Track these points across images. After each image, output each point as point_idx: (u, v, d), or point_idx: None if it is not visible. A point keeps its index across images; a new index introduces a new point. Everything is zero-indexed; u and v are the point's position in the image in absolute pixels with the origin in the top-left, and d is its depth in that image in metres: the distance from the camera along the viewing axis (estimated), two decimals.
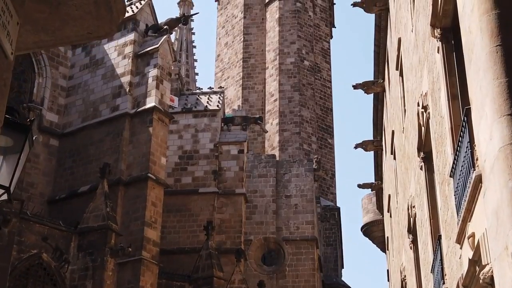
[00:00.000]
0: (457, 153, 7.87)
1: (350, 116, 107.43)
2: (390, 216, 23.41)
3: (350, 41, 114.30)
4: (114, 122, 23.64)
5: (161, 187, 22.87)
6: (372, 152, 26.89)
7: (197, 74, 59.04)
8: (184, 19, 24.92)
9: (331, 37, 50.14)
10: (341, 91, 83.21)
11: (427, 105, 10.83)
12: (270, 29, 46.35)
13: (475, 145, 7.00)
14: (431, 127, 10.69)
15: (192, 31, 61.81)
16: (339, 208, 41.01)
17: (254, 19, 47.64)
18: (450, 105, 8.96)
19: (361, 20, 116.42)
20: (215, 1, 52.08)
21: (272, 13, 46.57)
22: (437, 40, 9.49)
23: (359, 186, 28.15)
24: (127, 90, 23.87)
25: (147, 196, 22.02)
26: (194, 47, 61.38)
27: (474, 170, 6.92)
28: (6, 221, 16.85)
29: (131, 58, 24.27)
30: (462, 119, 7.52)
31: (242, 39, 47.03)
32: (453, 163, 8.17)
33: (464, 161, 7.48)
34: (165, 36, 24.24)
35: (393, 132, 19.50)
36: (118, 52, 24.77)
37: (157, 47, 23.96)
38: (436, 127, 10.12)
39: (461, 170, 7.68)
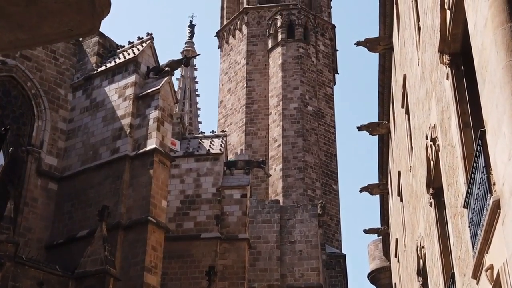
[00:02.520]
0: (471, 181, 7.47)
1: (355, 161, 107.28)
2: (398, 261, 22.91)
3: (353, 86, 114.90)
4: (114, 164, 23.24)
5: (161, 231, 22.33)
6: (378, 196, 26.58)
7: (200, 122, 59.05)
8: (186, 61, 24.71)
9: (334, 83, 50.15)
10: (345, 136, 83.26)
11: (436, 137, 10.47)
12: (273, 74, 46.35)
13: (491, 169, 6.62)
14: (441, 160, 10.30)
15: (196, 80, 62.14)
16: (344, 255, 40.31)
17: (257, 65, 47.70)
18: (461, 133, 8.57)
19: (364, 63, 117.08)
20: (218, 48, 52.28)
21: (275, 59, 46.64)
22: (446, 67, 9.17)
23: (365, 231, 27.66)
24: (128, 132, 23.55)
25: (147, 240, 21.45)
26: (198, 95, 61.63)
27: (491, 195, 6.53)
28: (0, 264, 16.29)
29: (132, 100, 24.01)
30: (476, 142, 7.14)
31: (245, 85, 46.99)
32: (467, 192, 7.77)
33: (479, 187, 7.08)
34: (166, 78, 24.02)
35: (399, 172, 19.20)
36: (119, 94, 24.53)
37: (158, 89, 23.71)
38: (447, 159, 9.72)
39: (476, 198, 7.28)
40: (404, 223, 18.80)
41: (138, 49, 25.24)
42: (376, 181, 25.55)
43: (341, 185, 79.75)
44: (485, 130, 6.88)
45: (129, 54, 25.43)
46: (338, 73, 51.82)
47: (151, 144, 22.89)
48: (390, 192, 23.93)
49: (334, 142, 46.50)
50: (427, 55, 11.14)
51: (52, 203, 24.05)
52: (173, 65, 24.63)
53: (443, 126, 9.80)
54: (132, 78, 24.46)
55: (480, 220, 7.08)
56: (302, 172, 41.94)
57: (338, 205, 44.04)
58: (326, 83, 48.16)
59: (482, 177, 6.92)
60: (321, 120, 45.89)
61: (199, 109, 61.25)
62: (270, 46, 47.46)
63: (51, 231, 23.75)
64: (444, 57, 9.18)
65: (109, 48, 26.79)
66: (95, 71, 25.87)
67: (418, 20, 12.29)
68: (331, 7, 52.80)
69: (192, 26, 62.28)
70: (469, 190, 7.68)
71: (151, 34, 25.51)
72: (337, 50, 51.96)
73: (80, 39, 27.06)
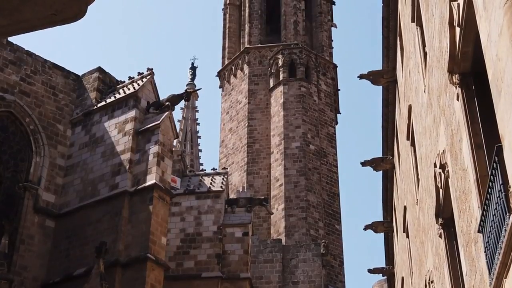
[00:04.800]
0: (487, 202, 7.08)
1: (358, 200, 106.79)
2: None
3: (355, 125, 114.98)
4: (113, 201, 22.81)
5: (161, 269, 21.78)
6: (382, 235, 26.21)
7: (201, 164, 58.68)
8: (187, 95, 24.44)
9: (336, 123, 49.96)
10: (348, 175, 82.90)
11: (446, 163, 10.11)
12: (274, 113, 46.19)
13: (509, 186, 6.23)
14: (451, 186, 9.95)
15: (197, 121, 62.04)
16: None
17: (258, 104, 47.59)
18: (474, 155, 8.21)
19: (366, 101, 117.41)
20: (219, 88, 52.24)
21: (277, 98, 46.53)
22: (456, 87, 8.86)
23: (370, 271, 27.12)
24: (127, 167, 23.18)
25: (146, 278, 20.89)
26: (199, 137, 61.46)
27: (510, 214, 6.14)
28: None
29: (131, 135, 23.70)
30: (493, 159, 6.76)
31: (247, 124, 46.80)
32: (482, 215, 7.37)
33: (496, 208, 6.70)
34: (166, 113, 23.74)
35: (405, 208, 18.89)
36: (118, 129, 24.23)
37: (159, 124, 23.40)
38: (458, 184, 9.35)
39: (493, 220, 6.89)
40: (410, 260, 18.41)
41: (138, 84, 25.02)
42: (380, 219, 25.26)
43: (344, 224, 79.06)
44: (501, 145, 6.54)
45: (129, 89, 25.21)
46: (340, 113, 51.75)
47: (150, 180, 22.50)
48: (395, 230, 23.63)
49: (336, 182, 46.09)
50: (434, 80, 10.88)
51: (49, 240, 23.55)
52: (174, 99, 24.38)
53: (453, 150, 9.48)
54: (132, 113, 24.18)
55: (498, 243, 6.71)
56: (304, 211, 41.45)
57: (341, 245, 43.44)
58: (328, 122, 47.97)
59: (499, 196, 6.55)
60: (324, 159, 45.56)
61: (200, 150, 61.07)
62: (271, 85, 47.41)
63: (48, 269, 23.19)
64: (453, 77, 8.90)
65: (109, 84, 26.59)
66: (95, 107, 25.62)
67: (424, 46, 12.08)
68: (333, 47, 52.94)
69: (193, 68, 62.50)
70: (484, 212, 7.31)
71: (152, 69, 25.33)
72: (339, 89, 51.95)
73: (80, 76, 26.89)
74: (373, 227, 24.69)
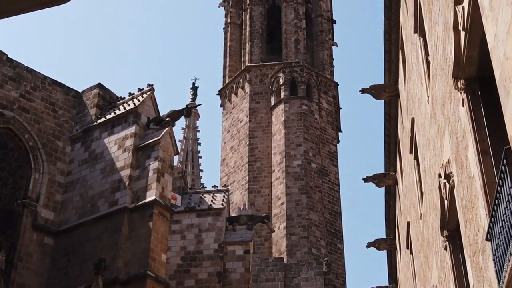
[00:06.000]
0: (495, 208, 6.88)
1: (360, 218, 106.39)
2: None
3: (357, 143, 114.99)
4: (113, 217, 22.54)
5: (161, 286, 21.43)
6: (385, 253, 26.04)
7: (202, 184, 58.42)
8: (187, 110, 24.29)
9: (338, 141, 49.78)
10: (350, 193, 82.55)
11: (451, 172, 9.96)
12: (276, 132, 46.03)
13: None
14: (457, 196, 9.80)
15: (198, 141, 61.88)
16: None
17: (259, 122, 47.45)
18: (481, 161, 8.04)
19: (368, 118, 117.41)
20: (220, 106, 52.16)
21: (278, 116, 46.40)
22: (461, 93, 8.71)
23: None
24: (127, 184, 22.94)
25: None
26: (200, 157, 61.26)
27: None
28: None
29: (131, 151, 23.50)
30: (501, 162, 6.57)
31: (248, 142, 46.63)
32: (490, 221, 7.16)
33: (505, 213, 6.51)
34: (167, 128, 23.55)
35: (408, 223, 18.76)
36: (118, 145, 24.04)
37: (159, 139, 23.20)
38: (464, 193, 9.18)
39: (502, 226, 6.72)
40: (414, 277, 18.26)
41: (138, 100, 24.88)
42: (383, 237, 25.10)
43: (346, 243, 78.71)
44: (510, 147, 6.37)
45: (129, 105, 25.06)
46: (342, 131, 51.59)
47: (150, 196, 22.26)
48: (398, 247, 23.48)
49: (338, 201, 45.80)
50: (438, 88, 10.76)
51: (48, 258, 23.24)
52: (174, 115, 24.21)
53: (458, 158, 9.32)
54: (132, 129, 24.00)
55: (508, 249, 6.51)
56: (306, 230, 41.15)
57: (343, 264, 43.08)
58: (329, 140, 47.78)
59: (508, 201, 6.36)
60: (325, 177, 45.32)
61: (201, 171, 60.85)
62: (272, 103, 47.30)
63: (46, 287, 22.87)
64: (459, 82, 8.76)
65: (109, 100, 26.44)
66: (95, 123, 25.46)
67: (427, 56, 12.00)
68: (334, 66, 52.94)
69: (194, 88, 62.38)
70: (492, 219, 7.11)
71: (152, 85, 25.20)
72: (340, 108, 51.82)
73: (80, 92, 26.76)
74: (376, 244, 24.52)
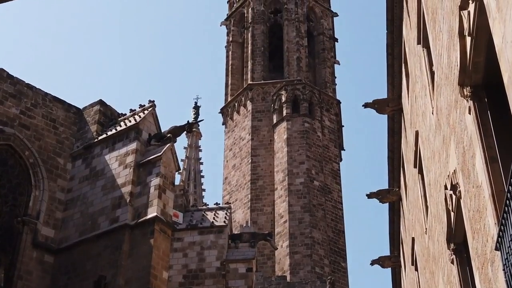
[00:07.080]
0: (505, 216, 6.67)
1: (363, 236, 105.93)
2: None
3: (360, 160, 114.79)
4: (113, 234, 22.27)
5: None
6: (389, 271, 25.77)
7: (205, 203, 58.18)
8: (189, 126, 24.13)
9: (341, 159, 49.60)
10: (353, 211, 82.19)
11: (457, 183, 9.75)
12: (278, 149, 45.89)
13: None
14: (464, 207, 9.59)
15: (200, 161, 61.75)
16: None
17: (262, 140, 47.34)
18: (489, 169, 7.84)
19: (370, 136, 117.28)
20: (222, 125, 52.06)
21: (280, 134, 46.28)
22: (467, 100, 8.53)
23: None
24: (128, 200, 22.71)
25: None
26: (202, 176, 61.09)
27: None
28: None
29: (132, 167, 23.28)
30: (511, 170, 6.37)
31: (250, 160, 46.49)
32: (500, 230, 6.95)
33: None
34: (168, 145, 23.35)
35: (413, 239, 18.54)
36: (119, 162, 23.84)
37: (160, 155, 22.99)
38: (471, 203, 8.97)
39: None
40: None
41: (139, 116, 24.71)
42: (387, 253, 24.85)
43: (350, 261, 78.22)
44: None
45: (130, 121, 24.88)
46: (344, 150, 51.41)
47: (151, 212, 22.00)
48: (402, 264, 23.23)
49: (341, 219, 45.54)
50: (443, 98, 10.59)
51: (48, 276, 22.94)
52: (176, 131, 24.04)
53: (465, 168, 9.12)
54: (133, 145, 23.80)
55: None
56: (309, 248, 40.87)
57: (347, 283, 42.73)
58: (332, 158, 47.61)
59: None
60: (328, 195, 45.08)
61: (203, 190, 60.66)
62: (275, 121, 47.23)
63: None
64: (465, 89, 8.58)
65: (110, 117, 26.28)
66: (96, 140, 25.27)
67: (431, 66, 11.87)
68: (336, 84, 52.89)
69: (197, 108, 62.33)
70: (502, 227, 6.90)
71: (153, 101, 25.02)
72: (343, 126, 51.69)
73: (81, 109, 26.60)
74: (380, 262, 24.28)
